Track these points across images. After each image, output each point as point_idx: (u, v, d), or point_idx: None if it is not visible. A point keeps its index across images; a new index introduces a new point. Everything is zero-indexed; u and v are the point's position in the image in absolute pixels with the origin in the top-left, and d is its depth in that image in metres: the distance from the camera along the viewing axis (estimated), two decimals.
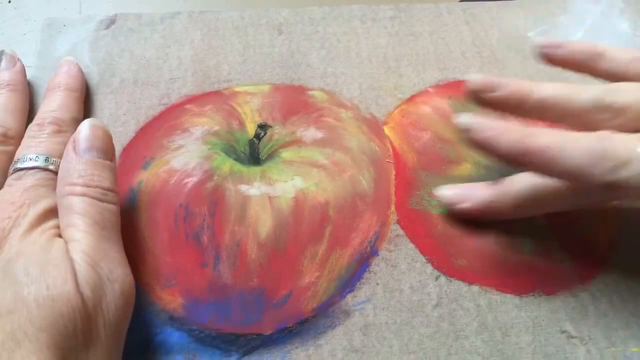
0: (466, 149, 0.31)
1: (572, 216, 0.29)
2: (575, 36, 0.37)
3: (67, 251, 0.22)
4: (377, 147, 0.31)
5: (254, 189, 0.28)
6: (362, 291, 0.26)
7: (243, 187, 0.29)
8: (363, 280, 0.27)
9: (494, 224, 0.28)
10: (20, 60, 0.31)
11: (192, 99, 0.32)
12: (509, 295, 0.26)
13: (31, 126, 0.27)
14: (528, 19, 0.38)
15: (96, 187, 0.23)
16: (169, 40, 0.35)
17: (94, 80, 0.33)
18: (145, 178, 0.29)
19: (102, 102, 0.32)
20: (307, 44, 0.35)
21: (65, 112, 0.28)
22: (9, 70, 0.30)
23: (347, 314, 0.26)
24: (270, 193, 0.28)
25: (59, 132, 0.27)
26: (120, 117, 0.31)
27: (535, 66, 0.35)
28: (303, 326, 0.25)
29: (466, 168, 0.31)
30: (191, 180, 0.29)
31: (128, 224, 0.27)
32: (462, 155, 0.31)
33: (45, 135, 0.27)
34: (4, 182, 0.25)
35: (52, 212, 0.24)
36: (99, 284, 0.21)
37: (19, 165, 0.25)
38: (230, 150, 0.30)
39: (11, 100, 0.29)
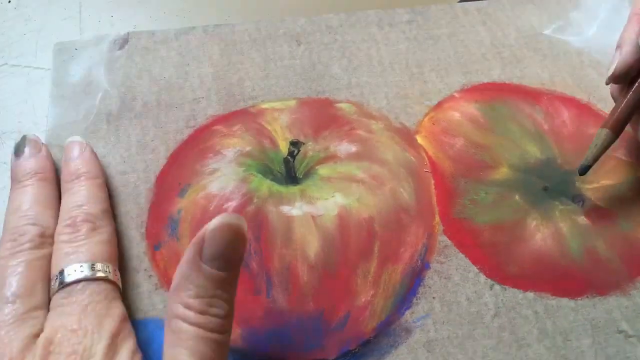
0: (501, 152, 0.31)
1: (614, 214, 0.29)
2: (589, 31, 0.37)
3: None
4: (412, 157, 0.31)
5: (296, 209, 0.28)
6: (420, 306, 0.26)
7: (285, 208, 0.28)
8: (419, 295, 0.26)
9: (539, 228, 0.28)
10: (45, 145, 0.28)
11: (220, 120, 0.31)
12: (564, 300, 0.26)
13: (61, 228, 0.24)
14: (542, 16, 0.38)
15: (214, 315, 0.20)
16: (186, 57, 0.34)
17: (115, 105, 0.31)
18: (184, 206, 0.28)
19: (128, 129, 0.31)
20: (328, 53, 0.35)
21: (94, 205, 0.26)
22: (35, 157, 0.27)
23: (408, 331, 0.25)
24: (313, 212, 0.28)
25: (94, 229, 0.25)
26: (149, 144, 0.30)
27: (555, 65, 0.35)
28: (366, 347, 0.25)
29: (503, 172, 0.31)
30: (231, 205, 0.28)
31: (172, 257, 0.26)
32: (498, 160, 0.31)
33: (82, 237, 0.24)
34: (48, 290, 0.23)
35: (117, 338, 0.22)
36: None
37: (67, 279, 0.22)
38: (266, 171, 0.29)
39: (42, 192, 0.26)
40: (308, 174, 0.30)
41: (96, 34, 0.34)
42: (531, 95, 0.34)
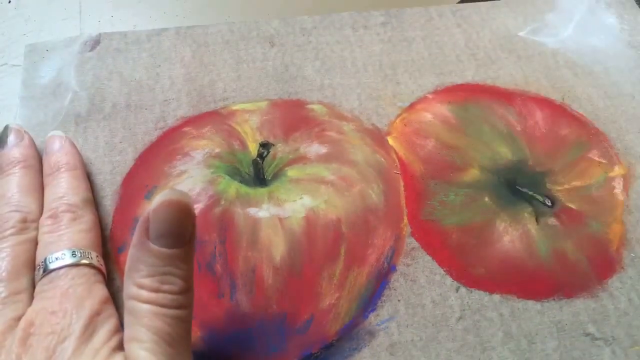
0: (472, 153, 0.31)
1: (583, 215, 0.29)
2: (565, 32, 0.37)
3: None
4: (382, 159, 0.31)
5: (263, 211, 0.28)
6: (384, 309, 0.26)
7: (252, 210, 0.28)
8: (384, 298, 0.26)
9: (507, 229, 0.28)
10: (27, 133, 0.29)
11: (189, 121, 0.31)
12: (530, 302, 0.26)
13: (44, 220, 0.25)
14: (518, 18, 0.38)
15: (167, 291, 0.20)
16: (158, 59, 0.34)
17: (84, 106, 0.31)
18: None
19: (96, 130, 0.30)
20: (301, 55, 0.35)
21: (75, 195, 0.26)
22: (18, 147, 0.28)
23: (371, 334, 0.25)
24: (280, 214, 0.28)
25: (75, 219, 0.25)
26: (116, 146, 0.30)
27: (530, 66, 0.35)
28: (328, 351, 0.25)
29: (473, 173, 0.30)
30: (197, 207, 0.28)
31: None
32: (469, 161, 0.31)
33: (64, 227, 0.24)
34: (32, 275, 0.23)
35: (97, 317, 0.22)
36: None
37: (49, 266, 0.23)
38: (234, 172, 0.29)
39: (25, 179, 0.26)
40: (277, 175, 0.29)
41: (68, 35, 0.34)
42: (505, 96, 0.34)
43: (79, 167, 0.28)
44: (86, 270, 0.23)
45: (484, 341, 0.25)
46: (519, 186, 0.30)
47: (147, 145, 0.30)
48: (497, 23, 0.37)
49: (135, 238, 0.21)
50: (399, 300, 0.26)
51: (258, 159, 0.30)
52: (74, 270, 0.23)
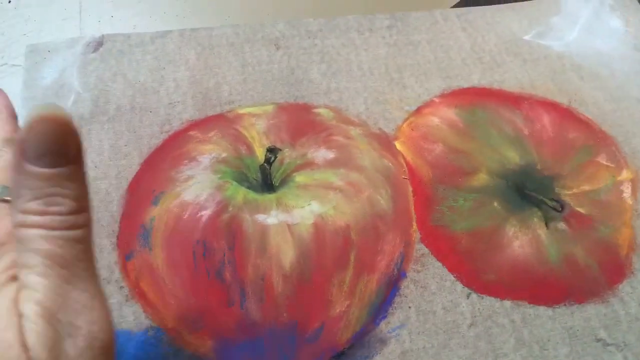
0: (480, 158, 0.31)
1: (593, 220, 0.29)
2: (570, 36, 0.37)
3: (17, 303, 0.18)
4: (390, 164, 0.30)
5: (272, 218, 0.27)
6: (395, 316, 0.26)
7: (260, 217, 0.27)
8: (395, 305, 0.26)
9: (517, 234, 0.28)
10: None
11: (195, 125, 0.31)
12: (541, 308, 0.26)
13: None
14: (522, 22, 0.38)
15: (54, 213, 0.19)
16: (162, 61, 0.33)
17: (87, 108, 0.31)
18: (157, 214, 0.27)
19: (100, 133, 0.30)
20: (307, 58, 0.34)
21: None
22: None
23: (382, 342, 0.25)
24: (289, 221, 0.27)
25: None
26: (122, 149, 0.29)
27: (536, 69, 0.35)
28: (340, 359, 0.24)
29: (482, 178, 0.30)
30: (205, 214, 0.27)
31: (144, 268, 0.26)
32: (477, 165, 0.31)
33: None
34: None
35: (2, 247, 0.20)
36: (56, 342, 0.18)
37: None
38: (242, 178, 0.29)
39: None
40: (285, 181, 0.29)
41: (68, 35, 0.34)
42: (511, 99, 0.34)
43: (3, 110, 0.25)
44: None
45: (496, 348, 0.25)
46: (527, 190, 0.30)
47: (152, 149, 0.30)
48: (502, 27, 0.37)
49: (13, 162, 0.19)
50: (409, 307, 0.26)
51: (265, 164, 0.30)
52: None
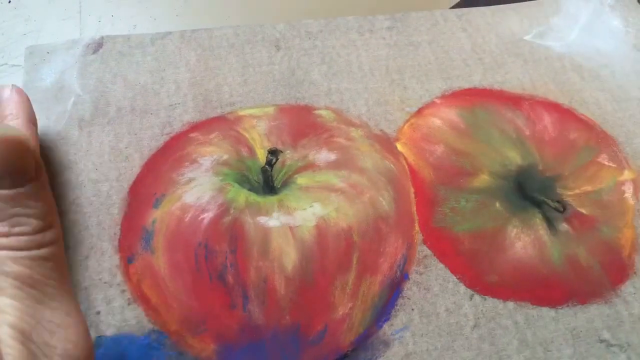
0: (481, 159, 0.31)
1: (595, 220, 0.29)
2: (571, 36, 0.37)
3: None
4: (392, 165, 0.30)
5: (274, 220, 0.27)
6: (399, 318, 0.26)
7: (262, 219, 0.27)
8: (398, 307, 0.26)
9: (519, 235, 0.28)
10: None
11: (196, 127, 0.31)
12: (544, 309, 0.26)
13: None
14: (523, 22, 0.38)
15: (19, 233, 0.19)
16: (162, 63, 0.33)
17: (87, 110, 0.31)
18: (159, 217, 0.27)
19: (101, 135, 0.30)
20: (307, 59, 0.34)
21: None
22: None
23: (386, 344, 0.25)
24: (291, 223, 0.27)
25: None
26: (122, 151, 0.29)
27: (537, 70, 0.35)
28: None
29: (483, 179, 0.30)
30: (207, 216, 0.27)
31: (146, 269, 0.26)
32: (479, 166, 0.31)
33: None
34: None
35: None
36: None
37: None
38: (243, 180, 0.29)
39: None
40: (286, 183, 0.29)
41: (69, 38, 0.33)
42: (512, 100, 0.34)
43: (22, 116, 0.26)
44: None
45: (499, 350, 0.25)
46: (529, 191, 0.30)
47: (153, 151, 0.29)
48: (503, 27, 0.37)
49: None
50: (412, 309, 0.26)
51: (267, 166, 0.29)
52: None
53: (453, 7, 0.39)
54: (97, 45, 0.33)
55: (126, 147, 0.30)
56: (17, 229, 0.19)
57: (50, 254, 0.20)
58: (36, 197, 0.20)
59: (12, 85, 0.28)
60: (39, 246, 0.19)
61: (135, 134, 0.30)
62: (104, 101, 0.31)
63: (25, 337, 0.18)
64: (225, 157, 0.29)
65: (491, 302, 0.26)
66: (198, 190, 0.28)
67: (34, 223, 0.19)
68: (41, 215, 0.20)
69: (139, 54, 0.33)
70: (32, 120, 0.27)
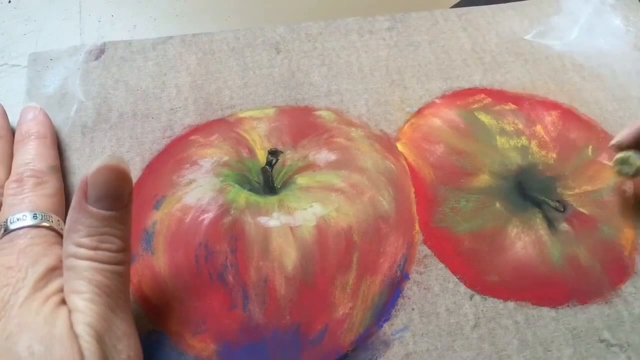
0: (482, 158, 0.31)
1: (595, 220, 0.29)
2: (571, 35, 0.37)
3: (72, 324, 0.20)
4: (392, 165, 0.30)
5: (274, 220, 0.27)
6: (399, 318, 0.26)
7: (262, 219, 0.27)
8: (398, 307, 0.26)
9: (519, 235, 0.28)
10: (0, 104, 0.29)
11: (197, 129, 0.31)
12: (544, 309, 0.26)
13: (9, 183, 0.25)
14: (523, 22, 0.38)
15: (105, 249, 0.21)
16: (163, 67, 0.33)
17: (90, 116, 0.31)
18: (159, 218, 0.27)
19: (103, 140, 0.30)
20: (307, 61, 0.34)
21: (41, 162, 0.27)
22: None
23: (386, 344, 0.25)
24: (291, 223, 0.27)
25: (39, 184, 0.25)
26: (124, 155, 0.29)
27: (537, 69, 0.35)
28: None
29: (483, 179, 0.30)
30: (207, 217, 0.27)
31: (147, 271, 0.26)
32: (479, 166, 0.31)
33: (27, 190, 0.25)
34: None
35: (52, 272, 0.22)
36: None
37: (10, 227, 0.23)
38: (244, 181, 0.29)
39: None
40: (286, 183, 0.29)
41: (69, 38, 0.34)
42: (513, 100, 0.34)
43: (48, 136, 0.29)
44: (46, 232, 0.24)
45: (499, 350, 0.25)
46: (529, 191, 0.30)
47: (154, 155, 0.30)
48: (503, 26, 0.37)
49: (74, 201, 0.21)
50: (413, 309, 0.26)
51: (267, 166, 0.30)
52: (34, 231, 0.23)
53: (453, 7, 0.39)
54: (99, 52, 0.34)
55: (128, 151, 0.30)
56: (104, 245, 0.22)
57: (125, 271, 0.22)
58: (123, 221, 0.22)
59: (35, 105, 0.30)
60: (118, 263, 0.22)
61: (137, 138, 0.30)
62: (106, 107, 0.31)
63: (99, 337, 0.20)
64: (225, 158, 0.30)
65: (491, 302, 0.26)
66: (198, 191, 0.28)
67: (118, 243, 0.22)
68: (124, 238, 0.22)
69: (141, 59, 0.34)
70: (56, 141, 0.29)
